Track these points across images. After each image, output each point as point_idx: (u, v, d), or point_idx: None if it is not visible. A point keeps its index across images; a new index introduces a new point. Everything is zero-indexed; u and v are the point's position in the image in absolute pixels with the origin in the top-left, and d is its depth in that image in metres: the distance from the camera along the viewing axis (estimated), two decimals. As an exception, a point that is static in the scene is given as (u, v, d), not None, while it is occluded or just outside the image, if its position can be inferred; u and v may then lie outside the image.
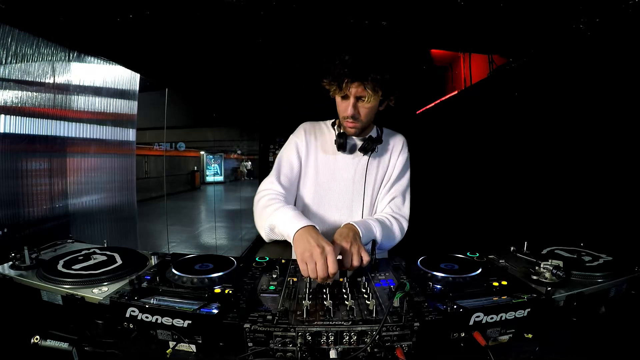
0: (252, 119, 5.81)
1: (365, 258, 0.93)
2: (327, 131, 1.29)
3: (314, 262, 0.83)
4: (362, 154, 1.23)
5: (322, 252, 0.83)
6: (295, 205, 1.26)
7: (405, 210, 1.25)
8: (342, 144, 1.18)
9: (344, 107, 1.11)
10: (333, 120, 1.30)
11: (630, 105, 1.33)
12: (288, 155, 1.24)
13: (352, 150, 1.24)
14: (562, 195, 1.72)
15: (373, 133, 1.27)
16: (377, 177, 1.26)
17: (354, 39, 1.12)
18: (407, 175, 1.30)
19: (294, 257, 1.09)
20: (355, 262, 0.91)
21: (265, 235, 1.06)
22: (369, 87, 1.04)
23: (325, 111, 1.41)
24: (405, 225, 1.22)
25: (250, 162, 12.00)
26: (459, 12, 1.38)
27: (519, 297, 0.77)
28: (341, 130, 1.22)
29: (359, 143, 1.22)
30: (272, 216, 1.01)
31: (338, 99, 1.12)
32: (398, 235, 1.19)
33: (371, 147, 1.19)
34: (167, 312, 0.71)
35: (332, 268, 0.82)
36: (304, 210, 1.25)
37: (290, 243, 0.94)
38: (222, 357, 0.71)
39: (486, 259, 1.04)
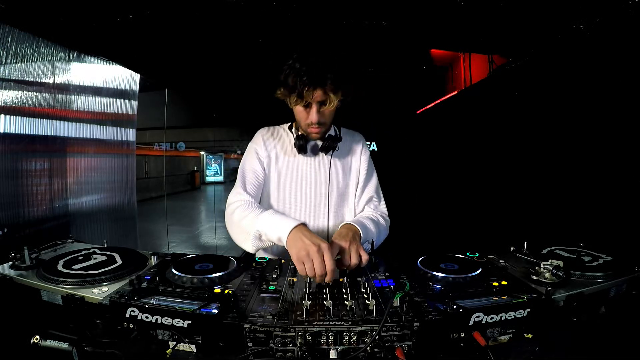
0: (252, 119, 5.81)
1: (364, 257, 0.93)
2: (285, 135, 1.27)
3: (310, 261, 0.81)
4: (323, 154, 1.22)
5: (319, 250, 0.82)
6: None
7: (383, 207, 1.28)
8: (302, 145, 1.17)
9: (307, 115, 1.09)
10: (290, 123, 1.27)
11: (630, 105, 1.33)
12: (250, 163, 1.21)
13: (313, 151, 1.23)
14: (562, 196, 1.72)
15: (331, 132, 1.25)
16: (342, 176, 1.26)
17: (302, 46, 1.10)
18: (375, 174, 1.32)
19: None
20: (354, 260, 0.91)
21: (252, 246, 0.99)
22: (330, 90, 1.03)
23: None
24: (388, 221, 1.25)
25: None
26: (459, 12, 1.38)
27: (519, 297, 0.77)
28: (299, 133, 1.20)
29: (319, 143, 1.20)
30: (256, 223, 0.96)
31: (299, 107, 1.09)
32: (385, 232, 1.23)
33: (332, 145, 1.18)
34: (167, 312, 0.71)
35: (330, 265, 0.81)
36: None
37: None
38: (222, 357, 0.71)
39: (486, 259, 1.04)
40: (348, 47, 1.09)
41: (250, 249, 0.99)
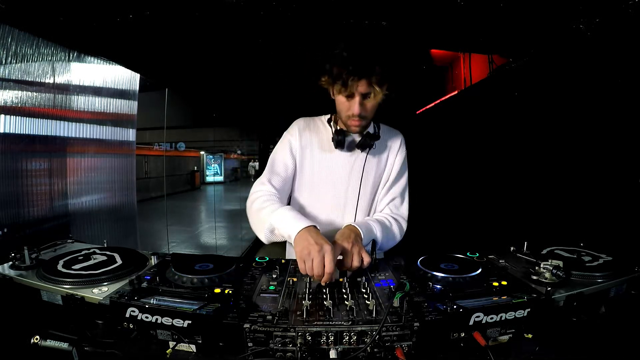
0: (252, 119, 5.81)
1: (366, 259, 0.93)
2: (323, 128, 1.25)
3: (311, 260, 0.83)
4: (359, 151, 1.20)
5: (320, 250, 0.83)
6: (289, 204, 1.24)
7: (404, 210, 1.25)
8: (341, 141, 1.15)
9: (349, 106, 1.07)
10: (329, 116, 1.26)
11: (630, 105, 1.33)
12: (282, 154, 1.21)
13: (349, 147, 1.20)
14: (562, 196, 1.72)
15: (370, 129, 1.22)
16: (375, 174, 1.23)
17: (350, 35, 1.07)
18: (406, 175, 1.28)
19: (293, 257, 1.10)
20: (356, 263, 0.91)
21: (265, 238, 1.03)
22: (375, 82, 1.00)
23: (322, 108, 1.38)
24: (405, 225, 1.22)
25: (258, 163, 11.86)
26: (459, 12, 1.38)
27: (519, 297, 0.77)
28: (338, 127, 1.19)
29: (357, 139, 1.19)
30: (271, 218, 1.00)
31: (341, 97, 1.07)
32: (398, 236, 1.19)
33: (369, 143, 1.16)
34: (167, 312, 0.71)
35: (329, 267, 0.82)
36: (299, 209, 1.24)
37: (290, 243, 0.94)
38: (222, 357, 0.71)
39: (486, 259, 1.04)
40: (346, 44, 1.06)
41: (263, 239, 1.04)
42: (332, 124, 1.22)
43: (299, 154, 1.21)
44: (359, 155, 1.21)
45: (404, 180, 1.27)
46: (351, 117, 1.09)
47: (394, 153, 1.26)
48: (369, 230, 1.06)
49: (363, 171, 1.19)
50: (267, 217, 1.01)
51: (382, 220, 1.16)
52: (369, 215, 1.25)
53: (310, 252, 0.84)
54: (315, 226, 0.93)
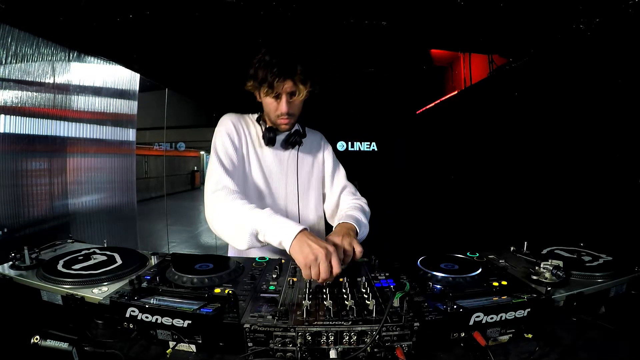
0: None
1: (357, 248, 0.95)
2: (252, 125, 1.27)
3: (317, 265, 0.82)
4: (290, 148, 1.26)
5: (327, 254, 0.82)
6: None
7: (358, 193, 1.36)
8: (272, 138, 1.19)
9: (277, 106, 1.12)
10: (257, 115, 1.27)
11: (630, 105, 1.33)
12: (225, 147, 1.14)
13: (281, 145, 1.25)
14: (562, 196, 1.72)
15: (297, 128, 1.29)
16: (310, 169, 1.31)
17: (267, 38, 1.16)
18: (340, 165, 1.39)
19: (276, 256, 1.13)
20: (348, 254, 0.94)
21: (247, 243, 0.93)
22: (299, 80, 1.06)
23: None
24: (368, 207, 1.31)
25: None
26: (459, 12, 1.38)
27: (519, 297, 0.77)
28: (267, 125, 1.21)
29: (285, 137, 1.25)
30: (253, 221, 0.92)
31: (268, 99, 1.12)
32: (369, 214, 1.28)
33: (298, 140, 1.24)
34: (167, 312, 0.71)
35: (337, 269, 0.83)
36: None
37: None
38: (222, 357, 0.71)
39: (486, 259, 1.04)
40: (265, 47, 1.12)
41: (243, 246, 0.94)
42: (260, 122, 1.24)
43: (238, 147, 1.18)
44: (290, 152, 1.27)
45: (341, 170, 1.39)
46: (280, 116, 1.14)
47: (321, 150, 1.36)
48: (359, 222, 1.12)
49: (297, 166, 1.26)
50: (247, 220, 0.93)
51: (357, 206, 1.24)
52: (307, 205, 1.31)
53: (317, 257, 0.82)
54: (306, 228, 0.90)
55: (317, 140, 1.37)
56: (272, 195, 1.24)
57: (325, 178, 1.36)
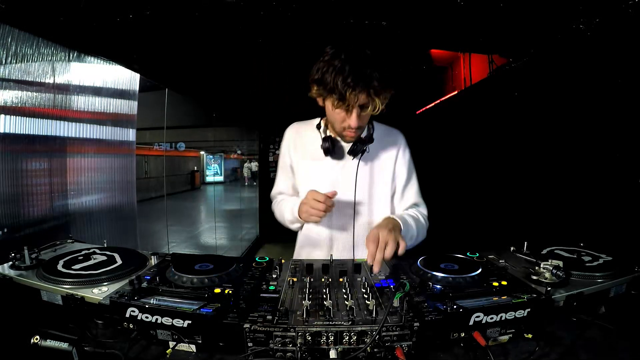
0: (252, 119, 5.81)
1: (402, 244, 0.90)
2: (312, 134, 1.19)
3: (309, 205, 1.01)
4: (351, 157, 1.14)
5: (309, 194, 1.02)
6: None
7: (424, 211, 1.26)
8: (328, 148, 1.10)
9: (344, 117, 1.00)
10: (318, 120, 1.20)
11: (630, 105, 1.33)
12: (282, 164, 1.29)
13: (340, 154, 1.15)
14: (562, 196, 1.72)
15: (363, 132, 1.15)
16: (371, 180, 1.18)
17: (343, 41, 0.99)
18: (414, 175, 1.24)
19: (295, 257, 1.24)
20: (390, 250, 0.89)
21: (293, 228, 1.26)
22: (374, 93, 0.93)
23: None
24: (427, 224, 1.24)
25: (255, 163, 9.22)
26: (459, 12, 1.38)
27: (519, 297, 0.77)
28: (328, 133, 1.14)
29: (347, 146, 1.13)
30: (283, 216, 1.22)
31: (337, 109, 0.99)
32: (424, 233, 1.20)
33: (361, 149, 1.11)
34: (167, 312, 0.71)
35: (319, 196, 0.99)
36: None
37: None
38: (222, 357, 0.71)
39: (486, 259, 1.04)
40: (341, 52, 0.95)
41: (294, 227, 1.25)
42: (321, 130, 1.16)
43: (292, 163, 1.26)
44: (349, 162, 1.16)
45: (414, 183, 1.23)
46: (347, 129, 1.04)
47: (395, 156, 1.19)
48: (406, 223, 1.06)
49: (356, 178, 1.14)
50: (281, 217, 1.27)
51: (413, 215, 1.17)
52: (369, 219, 1.21)
53: (305, 202, 1.04)
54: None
55: (392, 143, 1.20)
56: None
57: (395, 190, 1.22)
